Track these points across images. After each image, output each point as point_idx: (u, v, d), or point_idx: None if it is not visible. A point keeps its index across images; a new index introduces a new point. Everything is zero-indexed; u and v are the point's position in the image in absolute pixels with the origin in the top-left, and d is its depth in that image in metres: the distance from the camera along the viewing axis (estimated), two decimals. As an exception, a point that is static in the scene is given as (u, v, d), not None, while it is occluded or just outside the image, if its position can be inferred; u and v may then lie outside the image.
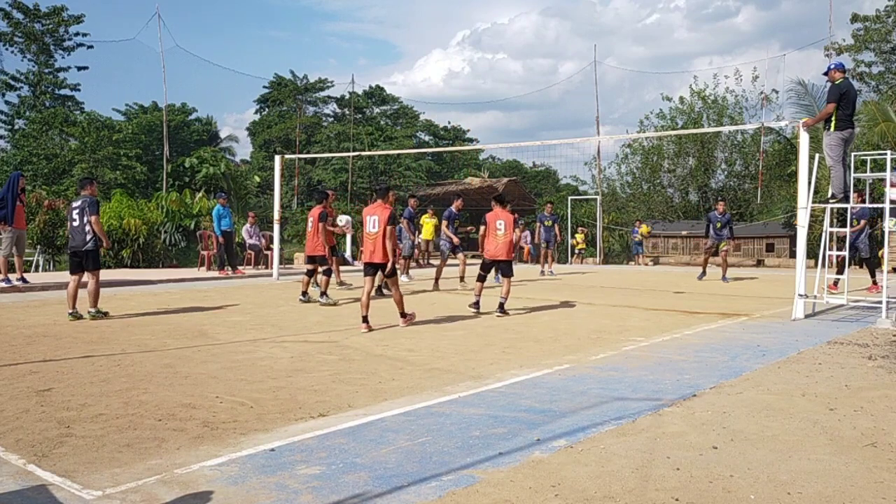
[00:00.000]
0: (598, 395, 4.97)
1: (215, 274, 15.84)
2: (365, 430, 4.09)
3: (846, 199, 9.28)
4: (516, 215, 16.35)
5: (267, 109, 46.18)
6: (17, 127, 37.25)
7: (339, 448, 3.76)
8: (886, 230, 10.10)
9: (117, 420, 4.25)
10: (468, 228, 20.09)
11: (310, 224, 11.02)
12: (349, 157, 31.58)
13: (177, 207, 21.09)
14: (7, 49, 37.48)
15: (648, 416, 4.40)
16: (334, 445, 3.81)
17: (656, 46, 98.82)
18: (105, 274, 11.13)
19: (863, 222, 12.59)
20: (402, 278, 13.61)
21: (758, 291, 13.36)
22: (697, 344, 7.16)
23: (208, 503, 3.03)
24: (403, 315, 8.37)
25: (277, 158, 16.37)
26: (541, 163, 47.80)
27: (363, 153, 29.34)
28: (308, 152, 32.52)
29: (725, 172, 32.56)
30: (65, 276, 13.73)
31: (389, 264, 8.13)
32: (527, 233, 22.62)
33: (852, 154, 9.35)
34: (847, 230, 10.83)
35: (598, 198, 29.04)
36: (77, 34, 38.64)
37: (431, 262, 20.41)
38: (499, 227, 9.64)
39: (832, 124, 9.04)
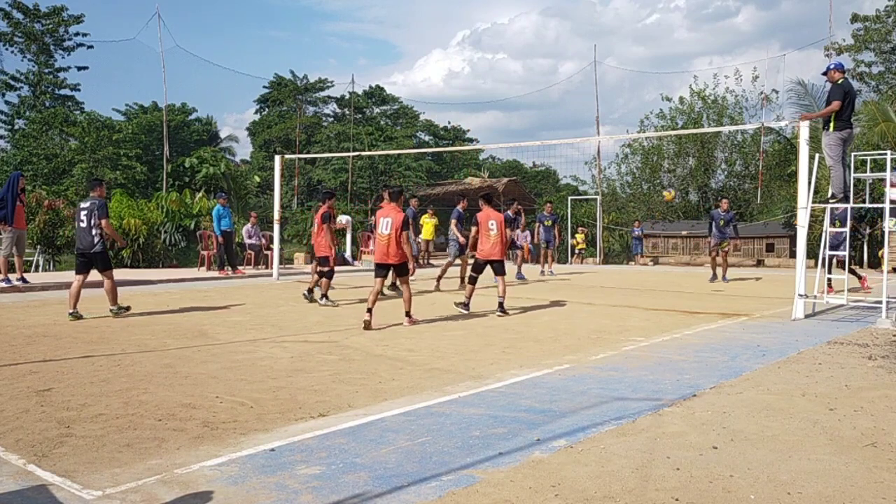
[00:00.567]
0: (598, 395, 4.97)
1: (215, 274, 15.85)
2: (365, 430, 4.09)
3: (846, 198, 9.28)
4: (521, 209, 16.38)
5: (267, 109, 46.16)
6: (17, 127, 37.27)
7: (339, 448, 3.77)
8: (886, 230, 10.10)
9: (117, 420, 4.25)
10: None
11: (315, 225, 11.15)
12: (349, 157, 31.54)
13: (177, 207, 21.12)
14: (7, 49, 37.59)
15: (648, 416, 4.40)
16: (334, 445, 3.81)
17: (656, 46, 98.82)
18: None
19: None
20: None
21: (758, 291, 13.36)
22: (697, 344, 7.16)
23: (208, 503, 3.03)
24: (409, 315, 8.49)
25: (277, 158, 16.39)
26: (541, 163, 47.67)
27: (363, 153, 29.28)
28: (308, 152, 32.49)
29: (725, 172, 32.51)
30: (65, 276, 13.80)
31: (411, 266, 8.47)
32: (527, 233, 22.63)
33: (852, 154, 9.36)
34: (834, 229, 10.78)
35: (598, 198, 29.02)
36: (77, 34, 38.77)
37: (432, 262, 20.43)
38: (491, 227, 9.65)
39: (832, 124, 9.04)
